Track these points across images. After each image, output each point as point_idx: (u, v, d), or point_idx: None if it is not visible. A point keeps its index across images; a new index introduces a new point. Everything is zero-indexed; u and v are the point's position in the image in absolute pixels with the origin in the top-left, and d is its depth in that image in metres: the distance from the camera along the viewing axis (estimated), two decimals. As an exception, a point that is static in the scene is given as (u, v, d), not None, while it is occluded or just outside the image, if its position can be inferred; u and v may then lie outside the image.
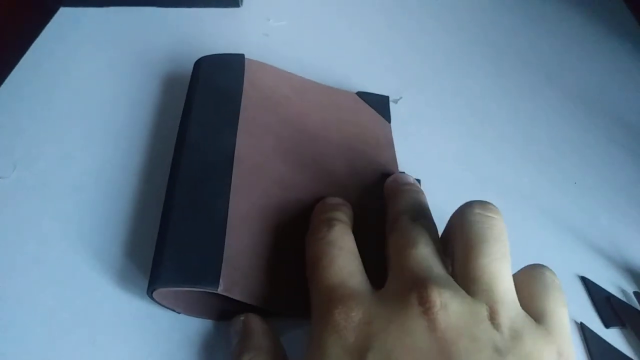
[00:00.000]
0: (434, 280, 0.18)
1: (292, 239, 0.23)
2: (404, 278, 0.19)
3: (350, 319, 0.17)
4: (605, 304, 0.25)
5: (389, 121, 0.31)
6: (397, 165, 0.29)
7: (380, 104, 0.32)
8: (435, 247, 0.20)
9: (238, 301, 0.21)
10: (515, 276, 0.19)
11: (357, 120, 0.30)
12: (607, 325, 0.25)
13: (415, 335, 0.16)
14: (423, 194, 0.24)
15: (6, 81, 0.33)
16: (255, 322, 0.22)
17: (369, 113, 0.31)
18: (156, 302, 0.21)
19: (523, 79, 0.37)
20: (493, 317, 0.17)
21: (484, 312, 0.17)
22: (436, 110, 0.34)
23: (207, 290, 0.20)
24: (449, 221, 0.21)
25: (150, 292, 0.21)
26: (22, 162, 0.28)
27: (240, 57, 0.29)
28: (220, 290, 0.20)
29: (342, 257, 0.20)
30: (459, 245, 0.19)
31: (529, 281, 0.19)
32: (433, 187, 0.27)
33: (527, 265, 0.20)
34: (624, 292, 0.26)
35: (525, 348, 0.16)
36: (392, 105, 0.33)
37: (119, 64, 0.34)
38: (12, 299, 0.23)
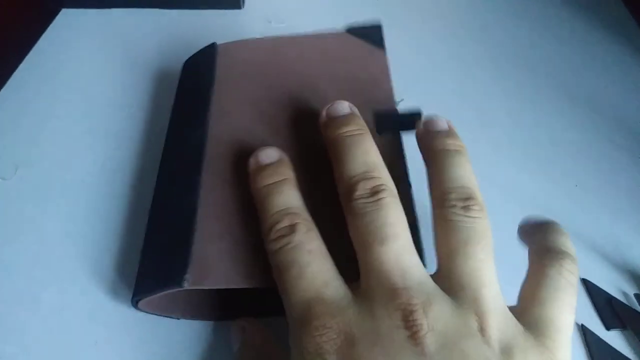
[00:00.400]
0: (416, 293, 0.16)
1: None
2: (380, 286, 0.17)
3: (332, 342, 0.16)
4: (607, 306, 0.25)
5: (383, 48, 0.29)
6: (393, 97, 0.27)
7: (372, 34, 0.29)
8: (406, 233, 0.18)
9: (235, 297, 0.21)
10: (532, 269, 0.18)
11: (348, 60, 0.28)
12: (608, 327, 0.25)
13: None
14: (368, 134, 0.21)
15: (9, 82, 0.33)
16: (254, 328, 0.21)
17: (361, 48, 0.29)
18: (150, 312, 0.22)
19: (524, 81, 0.37)
20: (483, 329, 0.16)
21: (473, 324, 0.16)
22: (437, 112, 0.34)
23: (174, 289, 0.19)
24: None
25: (134, 305, 0.21)
26: (24, 164, 0.28)
27: (211, 46, 0.28)
28: (187, 285, 0.19)
29: (314, 263, 0.18)
30: (442, 246, 0.18)
31: (540, 281, 0.18)
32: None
33: (549, 252, 0.19)
34: (625, 294, 0.26)
35: None
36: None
37: (120, 65, 0.34)
38: (14, 299, 0.23)
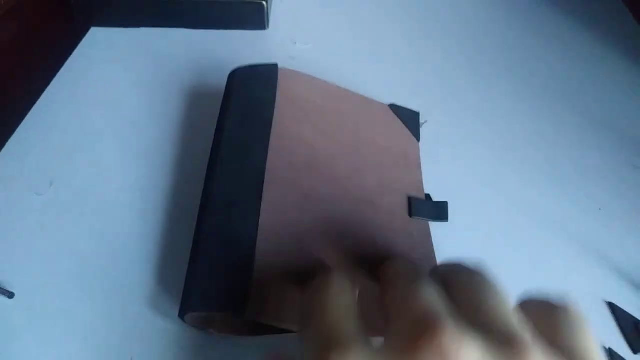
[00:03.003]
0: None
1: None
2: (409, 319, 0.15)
3: None
4: (633, 330, 0.25)
5: (418, 139, 0.31)
6: (422, 186, 0.29)
7: (410, 119, 0.31)
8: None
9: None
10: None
11: (388, 134, 0.30)
12: (635, 351, 0.25)
13: None
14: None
15: (41, 99, 0.33)
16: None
17: (400, 128, 0.31)
18: (189, 324, 0.22)
19: (546, 105, 0.37)
20: None
21: None
22: (461, 133, 0.34)
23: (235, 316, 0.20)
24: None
25: (181, 316, 0.21)
26: (58, 179, 0.29)
27: (274, 67, 0.29)
28: (247, 315, 0.20)
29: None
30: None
31: (553, 321, 0.16)
32: (459, 209, 0.27)
33: (543, 301, 0.16)
34: (651, 318, 0.26)
35: None
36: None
37: (149, 83, 0.35)
38: (49, 315, 0.24)
